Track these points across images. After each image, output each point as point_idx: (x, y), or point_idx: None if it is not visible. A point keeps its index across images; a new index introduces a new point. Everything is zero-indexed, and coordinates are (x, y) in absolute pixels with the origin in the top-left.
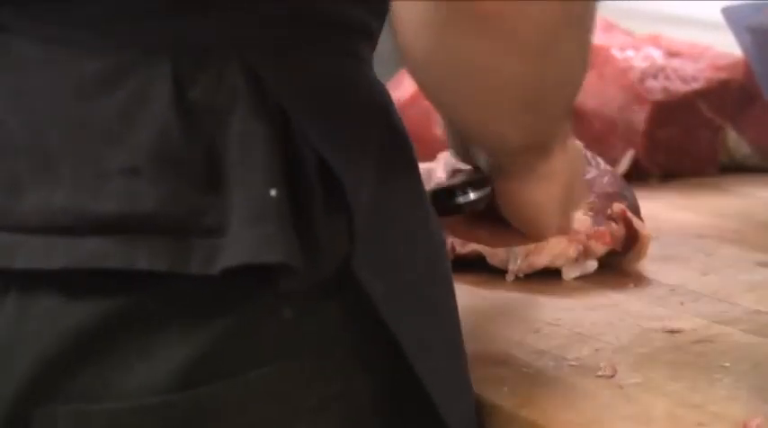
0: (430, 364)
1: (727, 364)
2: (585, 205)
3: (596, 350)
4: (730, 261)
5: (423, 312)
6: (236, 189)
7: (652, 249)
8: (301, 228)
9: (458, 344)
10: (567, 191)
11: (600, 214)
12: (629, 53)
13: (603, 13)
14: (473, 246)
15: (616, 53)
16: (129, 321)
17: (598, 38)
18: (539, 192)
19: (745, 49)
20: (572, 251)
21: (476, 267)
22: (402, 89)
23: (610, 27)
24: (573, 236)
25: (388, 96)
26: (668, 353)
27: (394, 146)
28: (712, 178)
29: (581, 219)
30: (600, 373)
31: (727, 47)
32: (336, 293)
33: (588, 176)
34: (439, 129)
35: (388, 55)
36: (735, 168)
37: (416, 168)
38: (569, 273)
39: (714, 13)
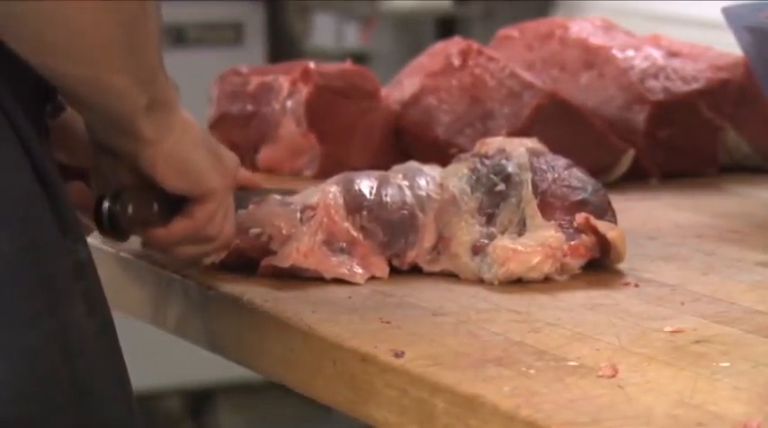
0: None
1: (728, 364)
2: (554, 223)
3: (597, 350)
4: (730, 261)
5: None
6: None
7: (652, 249)
8: None
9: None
10: (211, 139)
11: (569, 228)
12: (630, 53)
13: (604, 13)
14: (443, 265)
15: (616, 53)
16: None
17: (599, 37)
18: (187, 142)
19: (745, 49)
20: (548, 267)
21: None
22: (402, 89)
23: (610, 27)
24: (550, 252)
25: None
26: (668, 353)
27: None
28: (712, 178)
29: (555, 237)
30: (600, 373)
31: (728, 47)
32: None
33: (544, 185)
34: (439, 128)
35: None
36: (735, 168)
37: None
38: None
39: (714, 13)
